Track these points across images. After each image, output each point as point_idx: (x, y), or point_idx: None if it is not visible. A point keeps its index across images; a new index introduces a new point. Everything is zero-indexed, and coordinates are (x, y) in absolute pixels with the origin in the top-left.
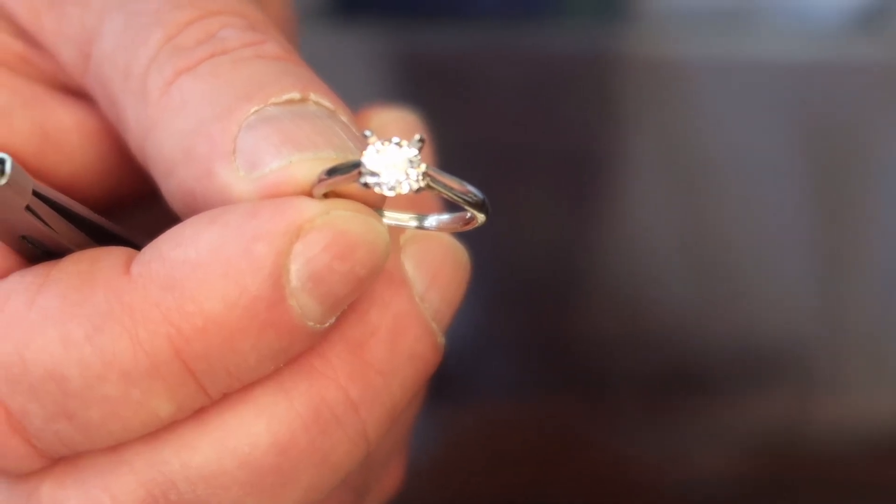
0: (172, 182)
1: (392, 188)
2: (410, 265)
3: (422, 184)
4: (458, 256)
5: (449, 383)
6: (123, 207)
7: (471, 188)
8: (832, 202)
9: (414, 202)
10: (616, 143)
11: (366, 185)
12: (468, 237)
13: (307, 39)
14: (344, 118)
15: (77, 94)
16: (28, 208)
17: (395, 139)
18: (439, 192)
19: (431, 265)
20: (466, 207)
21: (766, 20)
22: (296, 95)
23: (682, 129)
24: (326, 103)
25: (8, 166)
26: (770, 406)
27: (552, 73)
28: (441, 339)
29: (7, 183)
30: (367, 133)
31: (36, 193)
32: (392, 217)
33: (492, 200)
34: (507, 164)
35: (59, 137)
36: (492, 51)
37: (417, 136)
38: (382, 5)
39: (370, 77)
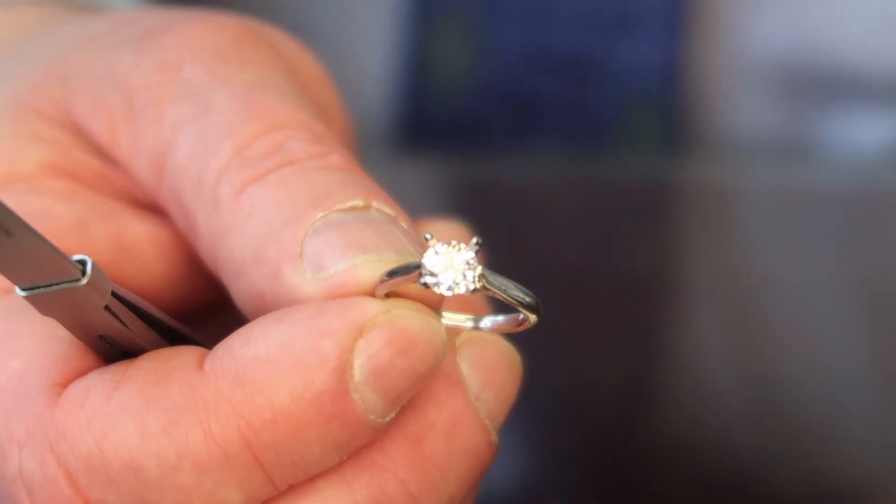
0: (242, 284)
1: (450, 288)
2: (466, 366)
3: (478, 285)
4: (511, 359)
5: (511, 498)
6: (191, 318)
7: (525, 291)
8: (887, 329)
9: (465, 303)
10: (673, 268)
11: (425, 284)
12: (528, 357)
13: (372, 168)
14: (404, 224)
15: (149, 208)
16: (107, 308)
17: (454, 242)
18: (494, 293)
19: (486, 366)
20: (520, 309)
21: (818, 151)
22: (359, 202)
23: (738, 255)
24: (388, 210)
25: (89, 267)
26: None
27: (612, 201)
28: (495, 437)
29: (88, 283)
30: (428, 236)
31: (114, 294)
32: (449, 318)
33: (552, 324)
34: (567, 288)
35: (134, 249)
36: (553, 181)
37: (474, 240)
38: (446, 136)
39: (433, 206)
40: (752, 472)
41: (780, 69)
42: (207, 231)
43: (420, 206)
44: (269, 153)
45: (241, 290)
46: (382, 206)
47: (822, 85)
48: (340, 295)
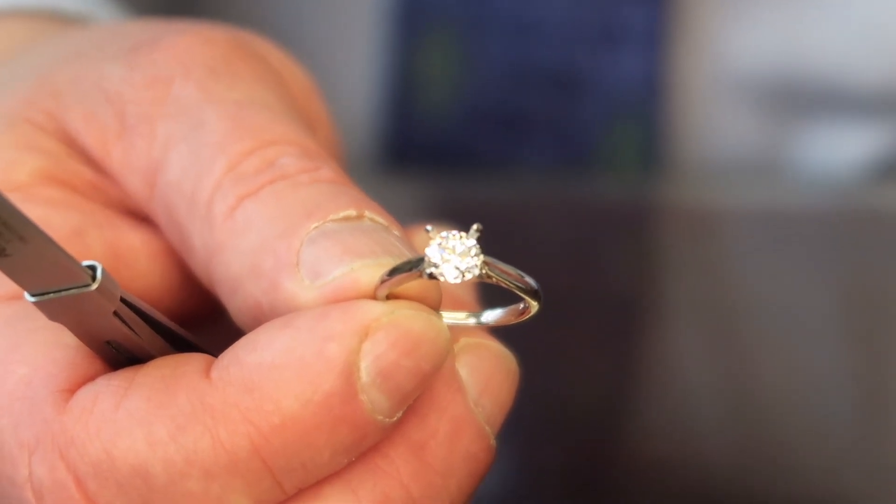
0: (239, 298)
1: (456, 277)
2: (465, 372)
3: (482, 272)
4: (508, 364)
5: None
6: (187, 325)
7: (526, 277)
8: (867, 347)
9: (458, 303)
10: (655, 287)
11: (431, 275)
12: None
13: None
14: (397, 233)
15: (142, 218)
16: (115, 314)
17: (454, 231)
18: (497, 279)
19: (484, 372)
20: (522, 295)
21: (799, 167)
22: (352, 213)
23: (719, 274)
24: (380, 220)
25: (99, 272)
26: None
27: (594, 221)
28: (493, 442)
29: (98, 288)
30: (428, 228)
31: (123, 300)
32: (450, 316)
33: (537, 341)
34: (549, 306)
35: (130, 257)
36: (536, 201)
37: (475, 226)
38: (432, 156)
39: (420, 224)
40: (734, 488)
41: (761, 83)
42: (202, 248)
43: (405, 225)
44: (262, 169)
45: (238, 304)
46: (375, 216)
47: (803, 98)
48: (339, 300)
